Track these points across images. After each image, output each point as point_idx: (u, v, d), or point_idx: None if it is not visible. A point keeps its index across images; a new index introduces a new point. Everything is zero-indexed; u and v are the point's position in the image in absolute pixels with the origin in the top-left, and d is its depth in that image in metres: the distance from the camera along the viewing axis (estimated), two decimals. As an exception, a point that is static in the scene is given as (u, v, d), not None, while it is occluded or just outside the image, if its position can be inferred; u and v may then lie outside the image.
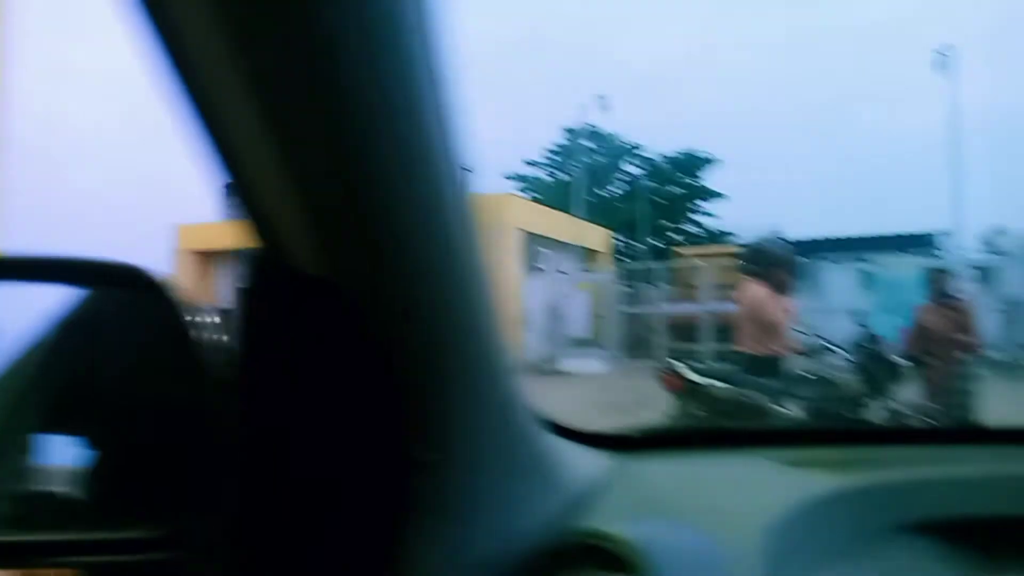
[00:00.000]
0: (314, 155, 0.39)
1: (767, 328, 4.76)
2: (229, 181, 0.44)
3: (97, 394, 0.55)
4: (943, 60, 20.64)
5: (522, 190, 31.64)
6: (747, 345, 4.86)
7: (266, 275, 0.47)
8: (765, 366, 4.72)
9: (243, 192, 0.44)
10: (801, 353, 5.07)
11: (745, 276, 5.23)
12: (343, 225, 0.42)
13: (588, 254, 22.97)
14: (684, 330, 16.47)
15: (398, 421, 0.46)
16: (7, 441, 0.54)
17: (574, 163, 29.39)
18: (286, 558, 0.45)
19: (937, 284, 6.26)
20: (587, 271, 21.07)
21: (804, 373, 4.91)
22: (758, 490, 0.76)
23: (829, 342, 5.39)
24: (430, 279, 0.45)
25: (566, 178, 31.19)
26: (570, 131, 32.00)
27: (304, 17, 0.33)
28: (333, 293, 0.44)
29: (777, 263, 4.95)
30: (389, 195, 0.41)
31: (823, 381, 4.84)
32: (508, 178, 33.31)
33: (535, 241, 18.84)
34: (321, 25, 0.33)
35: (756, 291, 4.87)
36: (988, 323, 9.99)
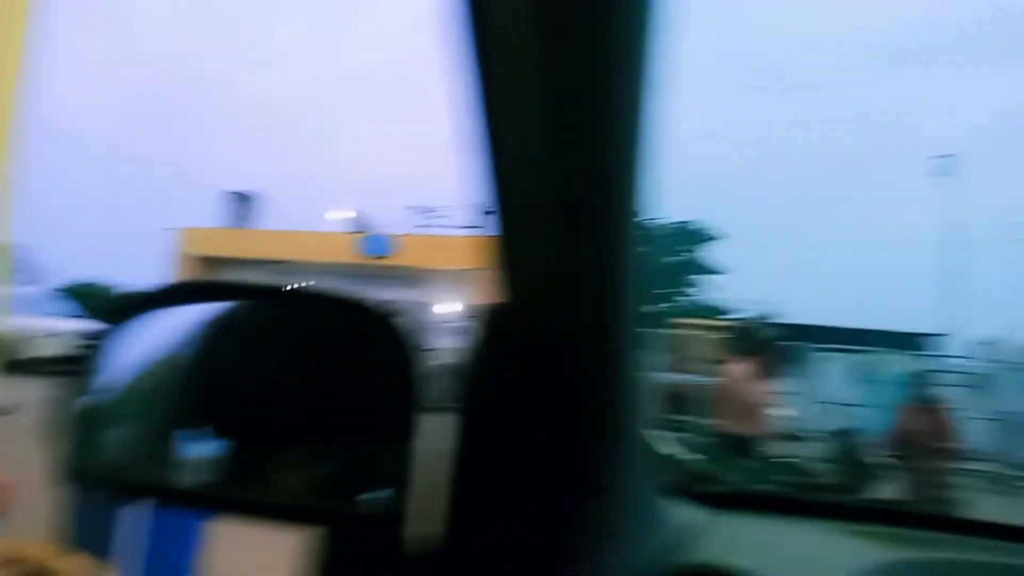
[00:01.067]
0: (587, 193, 0.44)
1: (746, 408, 4.82)
2: (499, 227, 0.48)
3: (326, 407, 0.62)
4: (944, 165, 21.05)
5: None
6: (727, 422, 4.92)
7: (507, 329, 0.53)
8: (740, 445, 4.77)
9: (508, 235, 0.49)
10: (778, 437, 5.12)
11: (733, 354, 5.32)
12: (592, 282, 0.48)
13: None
14: (671, 399, 16.35)
15: (584, 450, 0.54)
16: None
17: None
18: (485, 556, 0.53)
19: (919, 386, 6.31)
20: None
21: (778, 457, 4.95)
22: (830, 552, 0.87)
23: (808, 430, 5.44)
24: (631, 327, 0.53)
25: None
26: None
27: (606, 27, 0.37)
28: (562, 357, 0.51)
29: (765, 345, 5.04)
30: (630, 248, 0.47)
31: (793, 467, 4.88)
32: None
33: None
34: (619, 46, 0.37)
35: (740, 370, 4.95)
36: (979, 433, 9.85)
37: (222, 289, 0.71)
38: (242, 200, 20.78)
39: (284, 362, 0.64)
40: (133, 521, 2.50)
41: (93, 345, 0.63)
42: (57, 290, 16.51)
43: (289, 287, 0.65)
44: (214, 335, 0.66)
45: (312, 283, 0.66)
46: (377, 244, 17.72)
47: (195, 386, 0.65)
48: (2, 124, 1.89)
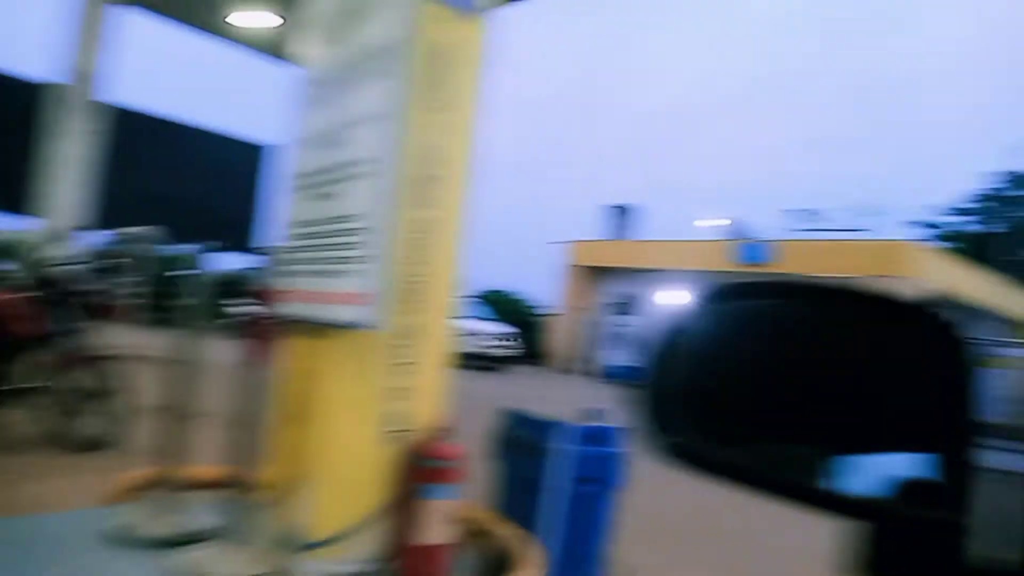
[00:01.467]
0: None
1: None
2: None
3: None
4: None
5: (933, 239, 27.54)
6: None
7: None
8: None
9: None
10: None
11: None
12: None
13: (1009, 324, 18.98)
14: None
15: None
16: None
17: (1001, 215, 24.57)
18: None
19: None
20: (1005, 343, 17.39)
21: None
22: None
23: None
24: None
25: (987, 231, 26.24)
26: (1000, 177, 26.84)
27: None
28: None
29: None
30: None
31: None
32: (916, 225, 29.28)
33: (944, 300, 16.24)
34: None
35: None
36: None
37: (784, 288, 0.73)
38: (621, 212, 22.17)
39: (841, 362, 0.65)
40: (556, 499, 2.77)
41: (676, 333, 0.71)
42: (475, 297, 19.55)
43: (852, 287, 0.65)
44: (784, 333, 0.69)
45: (862, 284, 0.65)
46: (754, 251, 17.11)
47: (773, 383, 0.68)
48: (461, 164, 2.27)
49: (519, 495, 2.89)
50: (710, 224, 20.48)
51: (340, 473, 2.14)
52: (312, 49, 2.53)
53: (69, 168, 10.49)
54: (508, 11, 4.92)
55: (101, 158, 10.77)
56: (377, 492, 2.17)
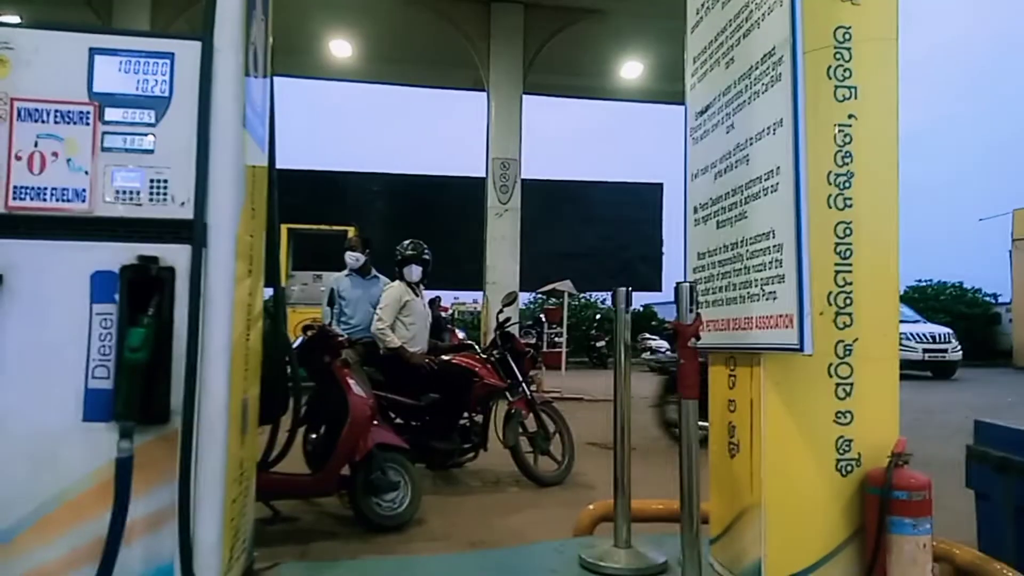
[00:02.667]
0: None
1: None
2: None
3: None
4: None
5: None
6: None
7: None
8: None
9: None
10: None
11: None
12: None
13: None
14: None
15: None
16: None
17: None
18: None
19: None
20: None
21: None
22: None
23: None
24: None
25: None
26: None
27: None
28: None
29: None
30: None
31: None
32: None
33: None
34: None
35: None
36: None
37: None
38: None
39: None
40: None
41: None
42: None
43: None
44: None
45: None
46: None
47: None
48: (880, 154, 2.00)
49: (1011, 528, 2.35)
50: None
51: (790, 506, 2.00)
52: (695, 81, 2.54)
53: (502, 242, 12.46)
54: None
55: (524, 228, 12.55)
56: (833, 527, 1.97)
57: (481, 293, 13.73)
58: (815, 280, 1.89)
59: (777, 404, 2.04)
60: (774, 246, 1.95)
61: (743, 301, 2.14)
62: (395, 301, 5.03)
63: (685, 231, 2.56)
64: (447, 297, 22.26)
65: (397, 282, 5.20)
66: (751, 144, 2.10)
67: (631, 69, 15.32)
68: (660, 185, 22.91)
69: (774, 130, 1.96)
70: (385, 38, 14.10)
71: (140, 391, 1.64)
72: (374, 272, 5.82)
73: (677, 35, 2.69)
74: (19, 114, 1.74)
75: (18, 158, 1.73)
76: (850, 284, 1.99)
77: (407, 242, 5.25)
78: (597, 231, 20.39)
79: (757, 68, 2.06)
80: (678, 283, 2.08)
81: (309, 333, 4.00)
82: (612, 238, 20.72)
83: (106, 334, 1.71)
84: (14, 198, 1.72)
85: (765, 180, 2.01)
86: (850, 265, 1.99)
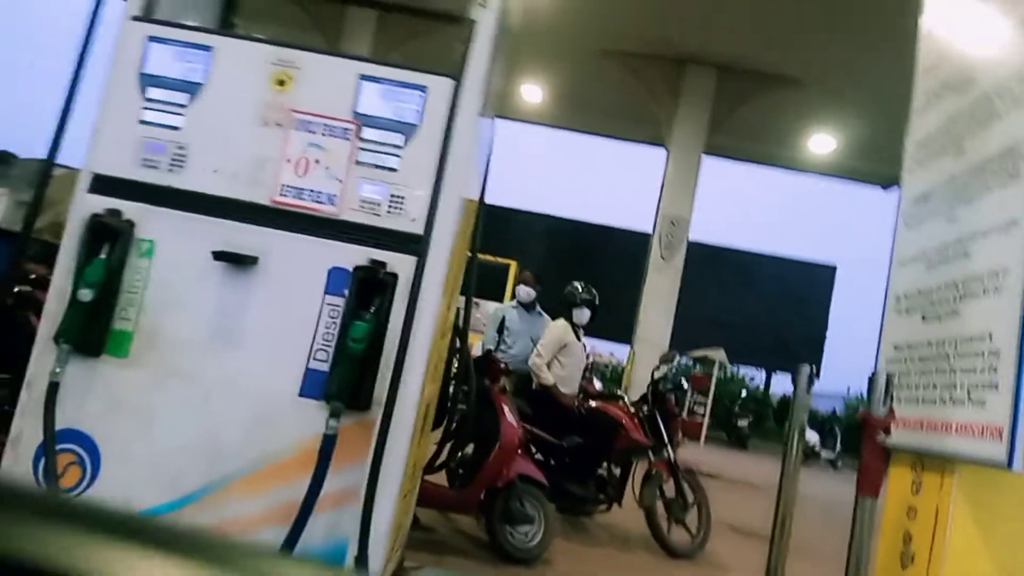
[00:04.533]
0: None
1: None
2: None
3: None
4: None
5: None
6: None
7: None
8: None
9: None
10: None
11: None
12: None
13: None
14: None
15: None
16: None
17: None
18: None
19: None
20: None
21: None
22: None
23: None
24: None
25: None
26: None
27: None
28: None
29: None
30: None
31: None
32: None
33: None
34: None
35: None
36: None
37: None
38: None
39: None
40: None
41: None
42: None
43: None
44: None
45: None
46: None
47: None
48: None
49: None
50: None
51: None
52: (914, 166, 2.44)
53: (658, 299, 12.30)
54: None
55: (682, 288, 12.33)
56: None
57: (627, 346, 13.58)
58: (1034, 394, 1.74)
59: (967, 520, 1.88)
60: (990, 351, 1.83)
61: (943, 403, 2.00)
62: (557, 340, 5.14)
63: (883, 319, 2.44)
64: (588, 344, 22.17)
65: (562, 321, 5.30)
66: (974, 239, 1.99)
67: (820, 142, 14.72)
68: (833, 268, 21.63)
69: (1007, 229, 1.85)
70: (575, 88, 14.59)
71: (353, 379, 1.84)
72: (539, 308, 5.99)
73: (875, 114, 2.59)
74: (295, 124, 2.05)
75: (288, 160, 2.03)
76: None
77: (579, 285, 5.34)
78: (757, 303, 19.54)
79: (993, 161, 1.96)
80: (873, 372, 2.00)
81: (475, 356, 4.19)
82: (773, 313, 19.76)
83: (332, 323, 1.94)
84: (280, 194, 2.01)
85: (987, 280, 1.89)
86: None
